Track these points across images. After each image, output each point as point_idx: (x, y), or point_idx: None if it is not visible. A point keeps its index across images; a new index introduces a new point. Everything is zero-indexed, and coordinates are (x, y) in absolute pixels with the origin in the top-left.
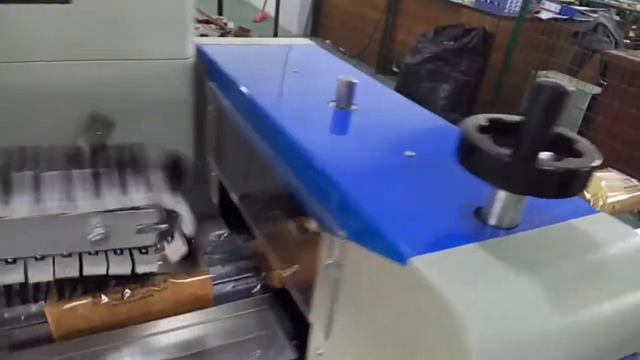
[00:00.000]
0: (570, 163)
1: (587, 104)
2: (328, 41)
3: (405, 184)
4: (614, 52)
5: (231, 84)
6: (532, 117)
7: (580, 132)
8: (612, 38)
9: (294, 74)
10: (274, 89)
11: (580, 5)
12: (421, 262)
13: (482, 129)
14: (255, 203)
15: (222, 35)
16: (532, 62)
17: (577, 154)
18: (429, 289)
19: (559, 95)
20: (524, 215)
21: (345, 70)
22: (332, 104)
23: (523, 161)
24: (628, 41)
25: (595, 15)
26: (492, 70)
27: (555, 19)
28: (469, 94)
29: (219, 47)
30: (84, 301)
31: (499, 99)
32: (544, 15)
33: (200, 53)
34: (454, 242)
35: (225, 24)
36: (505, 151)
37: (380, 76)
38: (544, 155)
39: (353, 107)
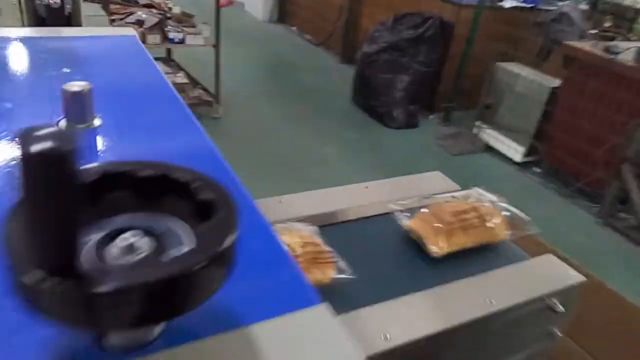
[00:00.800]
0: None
1: (546, 98)
2: (294, 28)
3: None
4: (572, 43)
5: None
6: (28, 208)
7: (539, 129)
8: (576, 28)
9: (58, 76)
10: None
11: None
12: None
13: None
14: None
15: (161, 20)
16: (494, 53)
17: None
18: None
19: (54, 164)
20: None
21: (149, 73)
22: (64, 121)
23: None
24: (595, 31)
25: (560, 3)
26: (453, 61)
27: (518, 7)
28: (428, 86)
29: None
30: None
31: (460, 92)
32: (506, 3)
33: None
34: None
35: (170, 8)
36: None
37: (344, 65)
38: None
39: (93, 123)
